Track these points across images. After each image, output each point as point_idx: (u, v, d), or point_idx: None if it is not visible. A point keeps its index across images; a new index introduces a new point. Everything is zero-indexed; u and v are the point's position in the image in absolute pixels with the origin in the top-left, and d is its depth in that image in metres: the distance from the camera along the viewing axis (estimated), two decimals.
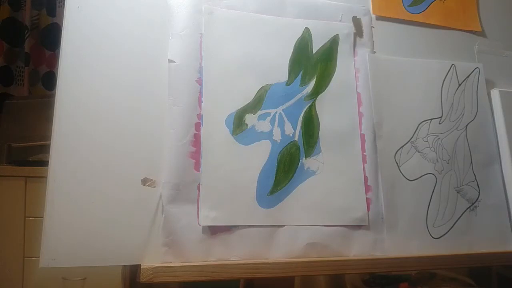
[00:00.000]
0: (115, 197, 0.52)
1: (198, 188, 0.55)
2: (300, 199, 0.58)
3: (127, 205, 0.52)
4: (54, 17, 1.94)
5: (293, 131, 0.61)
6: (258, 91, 0.60)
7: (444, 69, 0.71)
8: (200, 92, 0.58)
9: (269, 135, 0.59)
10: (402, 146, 0.65)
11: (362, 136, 0.64)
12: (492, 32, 0.78)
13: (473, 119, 0.71)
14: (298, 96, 0.62)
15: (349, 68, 0.66)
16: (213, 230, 0.54)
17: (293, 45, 0.64)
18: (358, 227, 0.60)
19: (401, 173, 0.64)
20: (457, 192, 0.67)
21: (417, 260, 0.61)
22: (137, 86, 0.56)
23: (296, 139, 0.61)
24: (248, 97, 0.60)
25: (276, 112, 0.60)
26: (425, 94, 0.69)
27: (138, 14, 0.59)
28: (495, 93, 0.73)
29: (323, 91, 0.64)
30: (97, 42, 0.56)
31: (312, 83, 0.63)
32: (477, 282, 0.91)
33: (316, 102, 0.63)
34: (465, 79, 0.72)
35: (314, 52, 0.65)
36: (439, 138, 0.68)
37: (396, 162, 0.65)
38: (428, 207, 0.64)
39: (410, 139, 0.66)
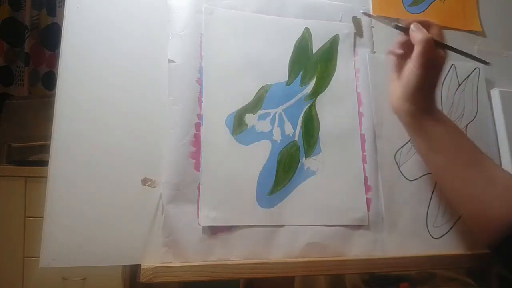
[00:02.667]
0: (115, 197, 0.52)
1: (198, 188, 0.55)
2: (300, 199, 0.58)
3: (127, 205, 0.52)
4: (54, 17, 1.95)
5: (293, 131, 0.61)
6: (258, 91, 0.60)
7: (444, 69, 0.71)
8: (200, 92, 0.58)
9: (269, 135, 0.59)
10: (402, 146, 0.65)
11: (362, 136, 0.64)
12: (492, 32, 0.78)
13: (473, 119, 0.71)
14: (298, 96, 0.62)
15: (349, 68, 0.66)
16: (213, 230, 0.54)
17: (293, 45, 0.64)
18: (358, 227, 0.60)
19: (401, 173, 0.64)
20: None
21: (417, 260, 0.61)
22: (137, 86, 0.56)
23: (296, 139, 0.61)
24: (248, 97, 0.60)
25: (276, 112, 0.60)
26: None
27: (138, 14, 0.59)
28: (495, 93, 0.73)
29: (323, 91, 0.64)
30: (97, 42, 0.56)
31: (312, 83, 0.63)
32: (477, 282, 0.91)
33: (316, 102, 0.63)
34: (465, 79, 0.72)
35: (314, 52, 0.65)
36: None
37: (396, 162, 0.65)
38: (428, 207, 0.64)
39: (410, 139, 0.66)
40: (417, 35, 0.57)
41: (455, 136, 0.58)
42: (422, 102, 0.58)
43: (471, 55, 0.61)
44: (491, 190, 0.55)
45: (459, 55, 0.62)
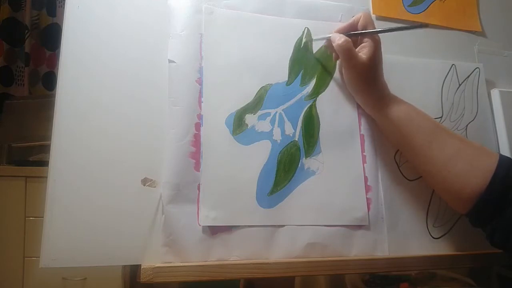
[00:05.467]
0: (115, 197, 0.52)
1: (198, 188, 0.55)
2: (300, 199, 0.58)
3: (127, 205, 0.52)
4: (54, 17, 1.95)
5: (293, 131, 0.61)
6: (258, 91, 0.60)
7: (444, 69, 0.71)
8: (200, 92, 0.58)
9: (269, 135, 0.59)
10: None
11: (362, 136, 0.64)
12: (492, 32, 0.78)
13: (473, 119, 0.71)
14: (298, 96, 0.62)
15: None
16: (213, 230, 0.54)
17: (293, 45, 0.64)
18: (358, 227, 0.60)
19: (401, 173, 0.64)
20: None
21: (417, 260, 0.61)
22: (137, 86, 0.56)
23: (296, 139, 0.61)
24: (248, 97, 0.60)
25: (276, 112, 0.60)
26: (426, 94, 0.69)
27: (138, 14, 0.58)
28: (495, 93, 0.73)
29: (323, 91, 0.64)
30: (97, 42, 0.56)
31: (312, 83, 0.63)
32: (477, 282, 0.91)
33: (317, 102, 0.63)
34: (466, 79, 0.72)
35: (314, 52, 0.65)
36: None
37: (396, 162, 0.65)
38: (428, 207, 0.64)
39: None
40: (334, 44, 0.61)
41: (410, 120, 0.60)
42: (367, 97, 0.62)
43: (401, 26, 0.63)
44: (453, 168, 0.57)
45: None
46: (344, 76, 0.63)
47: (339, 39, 0.60)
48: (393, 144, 0.64)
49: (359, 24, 0.61)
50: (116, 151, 0.54)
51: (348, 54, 0.59)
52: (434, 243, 0.63)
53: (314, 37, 0.64)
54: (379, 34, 0.62)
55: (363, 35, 0.61)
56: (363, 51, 0.60)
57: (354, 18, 0.62)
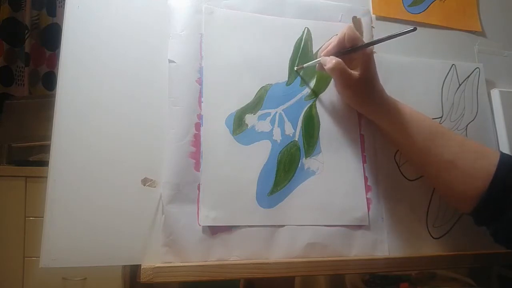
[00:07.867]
0: (115, 197, 0.52)
1: (198, 188, 0.55)
2: (300, 199, 0.58)
3: (127, 205, 0.52)
4: (54, 17, 1.95)
5: (293, 131, 0.61)
6: (258, 91, 0.60)
7: (445, 69, 0.71)
8: (200, 92, 0.58)
9: (269, 135, 0.59)
10: None
11: (362, 136, 0.64)
12: (492, 32, 0.78)
13: (474, 119, 0.71)
14: (298, 96, 0.62)
15: None
16: (213, 230, 0.54)
17: (293, 45, 0.64)
18: (358, 227, 0.60)
19: (401, 173, 0.64)
20: None
21: (417, 260, 0.61)
22: (137, 86, 0.56)
23: (296, 139, 0.61)
24: (248, 97, 0.60)
25: (276, 112, 0.60)
26: (426, 94, 0.69)
27: (138, 14, 0.58)
28: (495, 93, 0.73)
29: (323, 91, 0.64)
30: (97, 42, 0.56)
31: (312, 83, 0.63)
32: (477, 282, 0.91)
33: (317, 102, 0.63)
34: (466, 79, 0.72)
35: (314, 52, 0.65)
36: None
37: (396, 162, 0.65)
38: (428, 207, 0.64)
39: None
40: (325, 67, 0.59)
41: (410, 124, 0.59)
42: (366, 106, 0.61)
43: (392, 35, 0.58)
44: (454, 170, 0.57)
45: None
46: (340, 93, 0.62)
47: (329, 62, 0.58)
48: (394, 147, 0.64)
49: (346, 39, 0.58)
50: (116, 151, 0.54)
51: (341, 75, 0.58)
52: (434, 243, 0.63)
53: (305, 64, 0.62)
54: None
55: (353, 51, 0.58)
56: (355, 67, 0.59)
57: (339, 35, 0.59)
